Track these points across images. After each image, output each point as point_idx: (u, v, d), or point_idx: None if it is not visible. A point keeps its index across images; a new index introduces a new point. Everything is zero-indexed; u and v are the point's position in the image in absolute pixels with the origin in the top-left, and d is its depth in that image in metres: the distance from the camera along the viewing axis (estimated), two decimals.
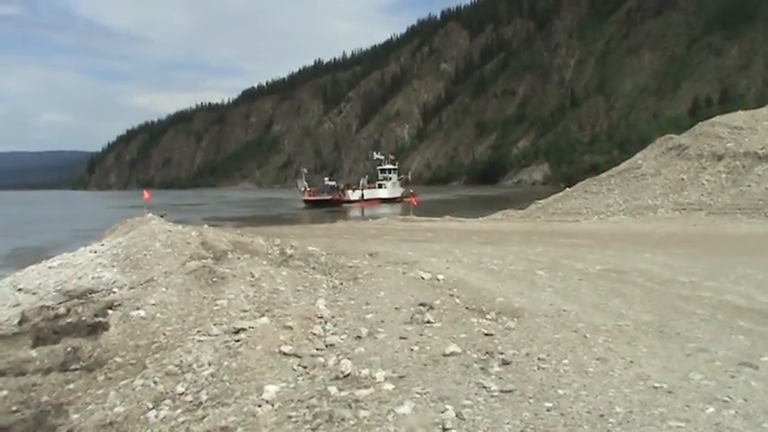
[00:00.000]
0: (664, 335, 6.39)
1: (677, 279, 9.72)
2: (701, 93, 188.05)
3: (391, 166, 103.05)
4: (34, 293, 8.93)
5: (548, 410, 4.34)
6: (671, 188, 26.41)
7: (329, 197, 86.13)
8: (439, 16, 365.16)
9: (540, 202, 30.62)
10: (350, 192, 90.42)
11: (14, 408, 5.85)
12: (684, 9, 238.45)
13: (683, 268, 10.92)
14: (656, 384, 4.82)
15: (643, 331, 6.50)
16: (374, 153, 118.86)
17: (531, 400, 4.53)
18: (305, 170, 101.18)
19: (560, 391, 4.68)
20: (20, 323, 7.97)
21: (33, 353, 7.01)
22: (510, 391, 4.71)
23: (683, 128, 38.23)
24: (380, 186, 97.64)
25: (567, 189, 32.41)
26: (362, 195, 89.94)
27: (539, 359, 5.46)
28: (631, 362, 5.42)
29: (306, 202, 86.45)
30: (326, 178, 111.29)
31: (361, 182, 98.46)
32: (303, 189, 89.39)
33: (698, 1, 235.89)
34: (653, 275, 10.01)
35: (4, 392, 6.06)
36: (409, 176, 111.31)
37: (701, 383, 4.90)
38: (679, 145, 29.56)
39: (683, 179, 26.66)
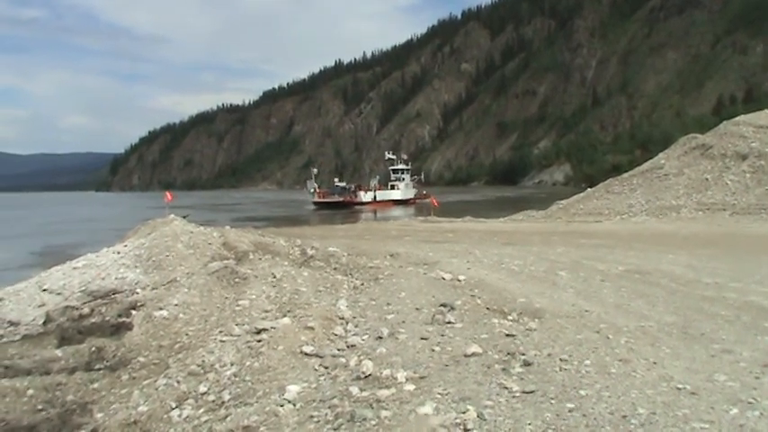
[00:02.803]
0: (687, 336, 6.34)
1: (701, 280, 9.62)
2: (725, 91, 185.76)
3: (404, 167, 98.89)
4: (59, 294, 9.04)
5: (570, 411, 4.33)
6: (694, 188, 26.12)
7: (340, 199, 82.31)
8: (459, 16, 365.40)
9: (562, 202, 30.44)
10: (361, 193, 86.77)
11: (40, 407, 5.92)
12: (708, 7, 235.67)
13: (707, 269, 10.82)
14: (680, 385, 4.79)
15: (666, 332, 6.45)
16: (387, 153, 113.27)
17: (553, 401, 4.52)
18: (314, 170, 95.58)
19: (582, 392, 4.66)
20: (45, 323, 8.07)
21: (58, 352, 7.10)
22: (532, 392, 4.70)
23: (707, 127, 37.79)
24: (393, 188, 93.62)
25: (589, 189, 32.17)
26: (375, 197, 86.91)
27: (560, 360, 5.44)
28: (654, 363, 5.39)
29: (315, 204, 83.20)
30: (336, 179, 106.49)
31: (372, 183, 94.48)
32: (313, 190, 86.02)
33: None
34: (676, 276, 9.92)
35: (30, 391, 6.14)
36: (422, 177, 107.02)
37: (726, 385, 4.86)
38: (703, 144, 29.24)
39: (706, 179, 26.36)
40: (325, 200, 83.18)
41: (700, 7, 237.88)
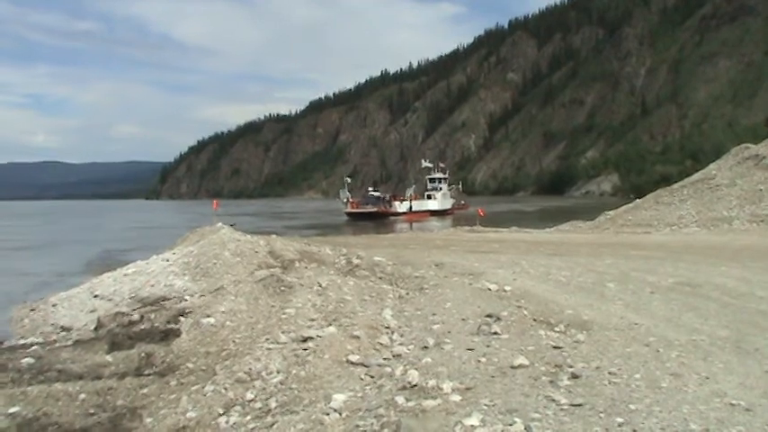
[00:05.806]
0: (741, 350, 6.18)
1: (755, 293, 9.37)
2: None
3: (441, 176, 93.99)
4: (110, 300, 9.24)
5: (619, 426, 4.25)
6: (747, 199, 25.52)
7: (374, 209, 76.85)
8: (506, 26, 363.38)
9: (610, 213, 30.04)
10: (397, 203, 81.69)
11: (92, 410, 6.04)
12: (762, 14, 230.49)
13: (761, 282, 10.52)
14: (734, 401, 4.67)
15: (719, 346, 6.30)
16: (423, 161, 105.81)
17: (602, 415, 4.44)
18: (347, 180, 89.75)
19: (632, 407, 4.57)
20: (96, 329, 8.26)
21: (109, 358, 7.25)
22: (580, 405, 4.62)
23: (761, 137, 36.95)
24: (429, 197, 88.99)
25: (638, 200, 31.69)
26: (410, 207, 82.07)
27: (609, 373, 5.36)
28: (707, 378, 5.27)
29: (349, 214, 77.73)
30: (370, 188, 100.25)
31: (408, 193, 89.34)
32: (346, 200, 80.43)
33: None
34: (729, 289, 9.68)
35: (82, 395, 6.27)
36: (460, 186, 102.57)
37: None
38: (756, 154, 28.58)
39: (760, 190, 25.75)
40: (359, 210, 78.09)
41: (753, 14, 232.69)
